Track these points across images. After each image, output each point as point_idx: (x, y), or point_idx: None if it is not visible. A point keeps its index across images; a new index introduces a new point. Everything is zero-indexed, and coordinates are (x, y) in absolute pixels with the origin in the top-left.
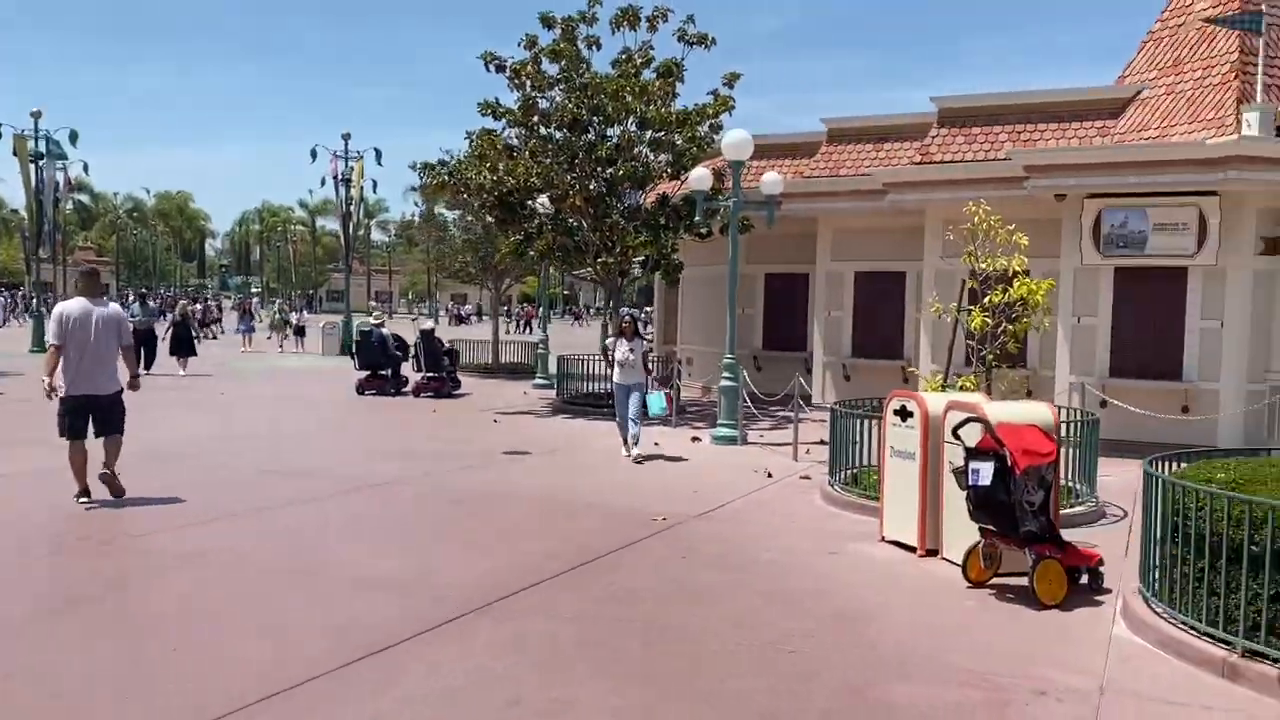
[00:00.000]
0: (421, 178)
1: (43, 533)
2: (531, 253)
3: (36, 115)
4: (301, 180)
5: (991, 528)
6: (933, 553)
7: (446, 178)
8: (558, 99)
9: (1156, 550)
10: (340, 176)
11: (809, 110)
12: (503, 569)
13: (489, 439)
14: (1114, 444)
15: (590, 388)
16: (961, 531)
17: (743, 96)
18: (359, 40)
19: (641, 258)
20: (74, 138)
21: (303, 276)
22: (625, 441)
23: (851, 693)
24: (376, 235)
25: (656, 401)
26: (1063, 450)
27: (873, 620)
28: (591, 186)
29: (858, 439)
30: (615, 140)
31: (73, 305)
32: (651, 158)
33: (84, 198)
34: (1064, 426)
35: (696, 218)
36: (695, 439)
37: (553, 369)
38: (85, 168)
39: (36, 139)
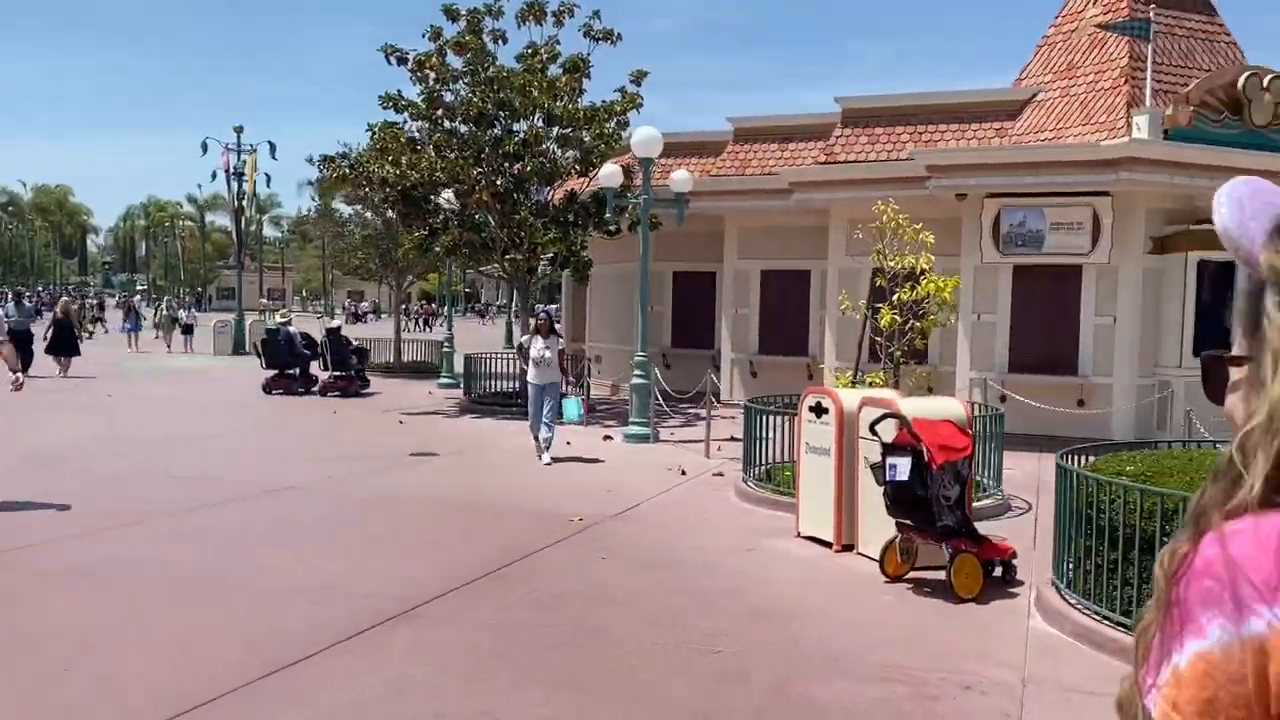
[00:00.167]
0: (321, 171)
1: None
2: (437, 249)
3: None
4: (191, 175)
5: (909, 522)
6: (849, 548)
7: (348, 171)
8: (463, 92)
9: (1070, 542)
10: (233, 170)
11: (701, 110)
12: (419, 575)
13: (395, 440)
14: (1013, 437)
15: (498, 386)
16: (877, 526)
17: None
18: (251, 31)
19: (550, 255)
20: None
21: (191, 274)
22: (538, 443)
23: (781, 691)
24: (269, 231)
25: (572, 407)
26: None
27: (795, 617)
28: (499, 182)
29: (770, 435)
30: (522, 136)
31: None
32: (559, 154)
33: None
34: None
35: (607, 214)
36: (607, 438)
37: (458, 368)
38: None
39: None
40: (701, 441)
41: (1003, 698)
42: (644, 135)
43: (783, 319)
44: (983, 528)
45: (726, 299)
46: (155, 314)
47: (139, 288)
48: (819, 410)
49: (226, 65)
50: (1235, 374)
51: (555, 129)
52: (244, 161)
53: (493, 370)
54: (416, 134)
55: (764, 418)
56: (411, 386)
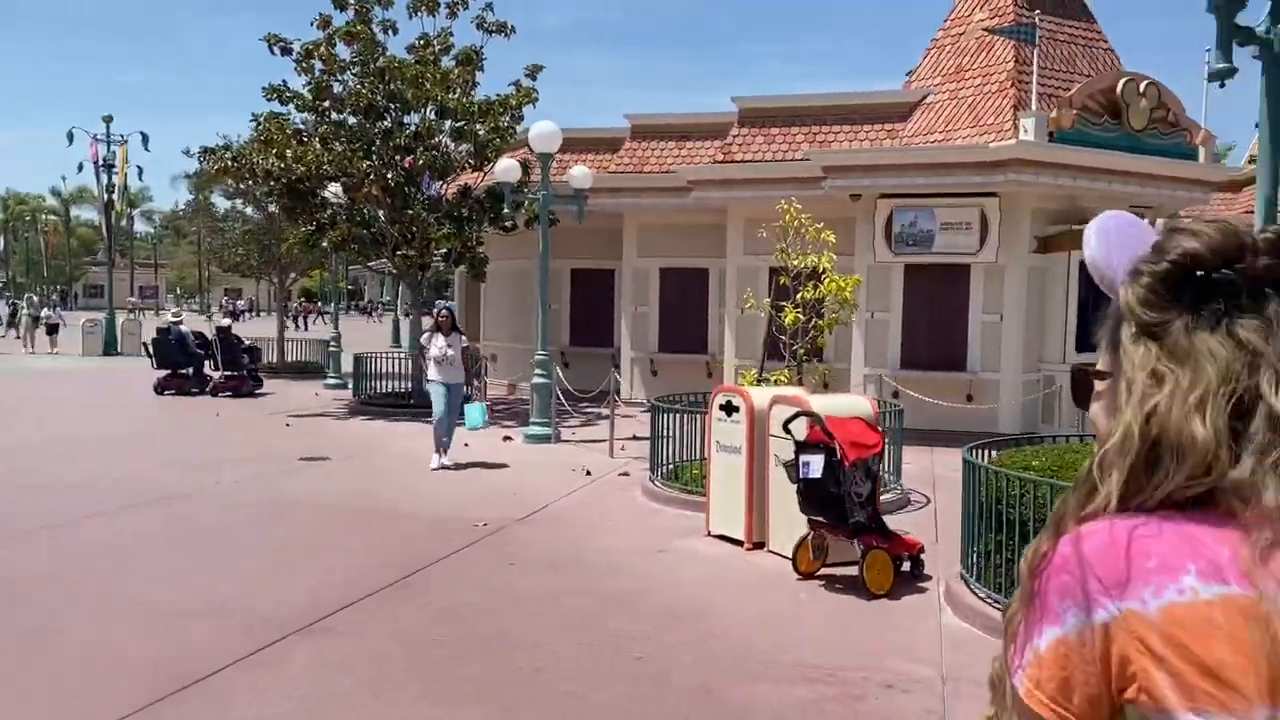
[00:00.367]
0: (201, 163)
1: None
2: (325, 244)
3: None
4: (55, 167)
5: (821, 520)
6: (759, 545)
7: (230, 163)
8: (351, 83)
9: (978, 537)
10: (102, 162)
11: (588, 107)
12: (321, 585)
13: (284, 443)
14: (906, 433)
15: (388, 387)
16: (787, 524)
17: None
18: (124, 16)
19: (444, 251)
20: None
21: (55, 270)
22: (438, 446)
23: (706, 695)
24: (140, 226)
25: (476, 413)
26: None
27: (713, 618)
28: (389, 176)
29: (676, 434)
30: (414, 128)
31: None
32: (453, 147)
33: None
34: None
35: (504, 209)
36: (507, 438)
37: (345, 367)
38: None
39: None
40: (604, 441)
41: (925, 695)
42: (543, 130)
43: (682, 317)
44: (887, 522)
45: (626, 297)
46: (15, 313)
47: None
48: (730, 409)
49: (95, 53)
50: (1099, 385)
51: (448, 122)
52: (114, 153)
53: (382, 370)
54: (303, 125)
55: (671, 416)
56: (296, 387)
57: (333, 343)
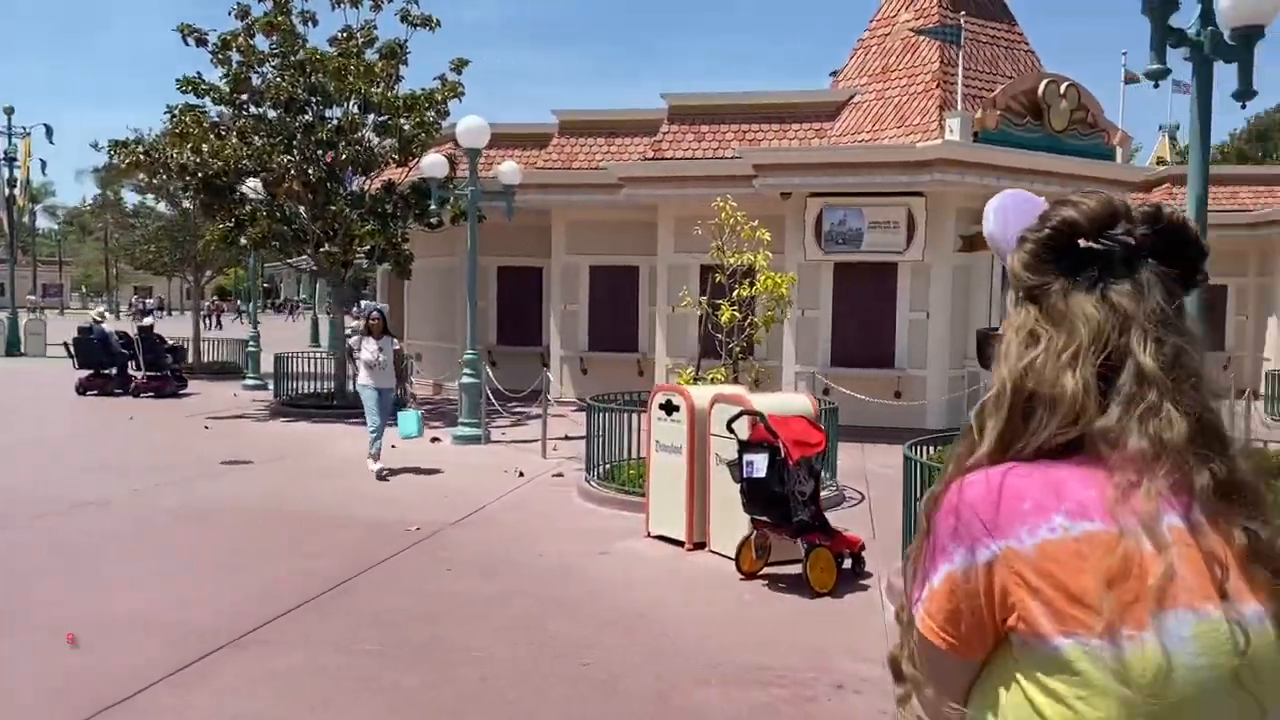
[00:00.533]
0: (111, 157)
1: None
2: (244, 241)
3: None
4: None
5: (765, 519)
6: (700, 545)
7: (142, 156)
8: (270, 76)
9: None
10: (3, 156)
11: (511, 102)
12: (249, 596)
13: (204, 447)
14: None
15: (311, 387)
16: (728, 523)
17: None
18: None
19: (368, 248)
20: None
21: None
22: (373, 453)
23: (659, 701)
24: (44, 222)
25: (412, 422)
26: None
27: (659, 620)
28: (311, 171)
29: (612, 434)
30: (337, 122)
31: None
32: (377, 142)
33: None
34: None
35: (432, 205)
36: (435, 440)
37: (265, 368)
38: None
39: None
40: (536, 441)
41: (876, 695)
42: (471, 125)
43: (612, 315)
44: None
45: (555, 295)
46: None
47: None
48: (669, 408)
49: None
50: (999, 345)
51: (372, 116)
52: (15, 146)
53: (304, 370)
54: (219, 119)
55: (606, 415)
56: (214, 388)
57: (251, 342)
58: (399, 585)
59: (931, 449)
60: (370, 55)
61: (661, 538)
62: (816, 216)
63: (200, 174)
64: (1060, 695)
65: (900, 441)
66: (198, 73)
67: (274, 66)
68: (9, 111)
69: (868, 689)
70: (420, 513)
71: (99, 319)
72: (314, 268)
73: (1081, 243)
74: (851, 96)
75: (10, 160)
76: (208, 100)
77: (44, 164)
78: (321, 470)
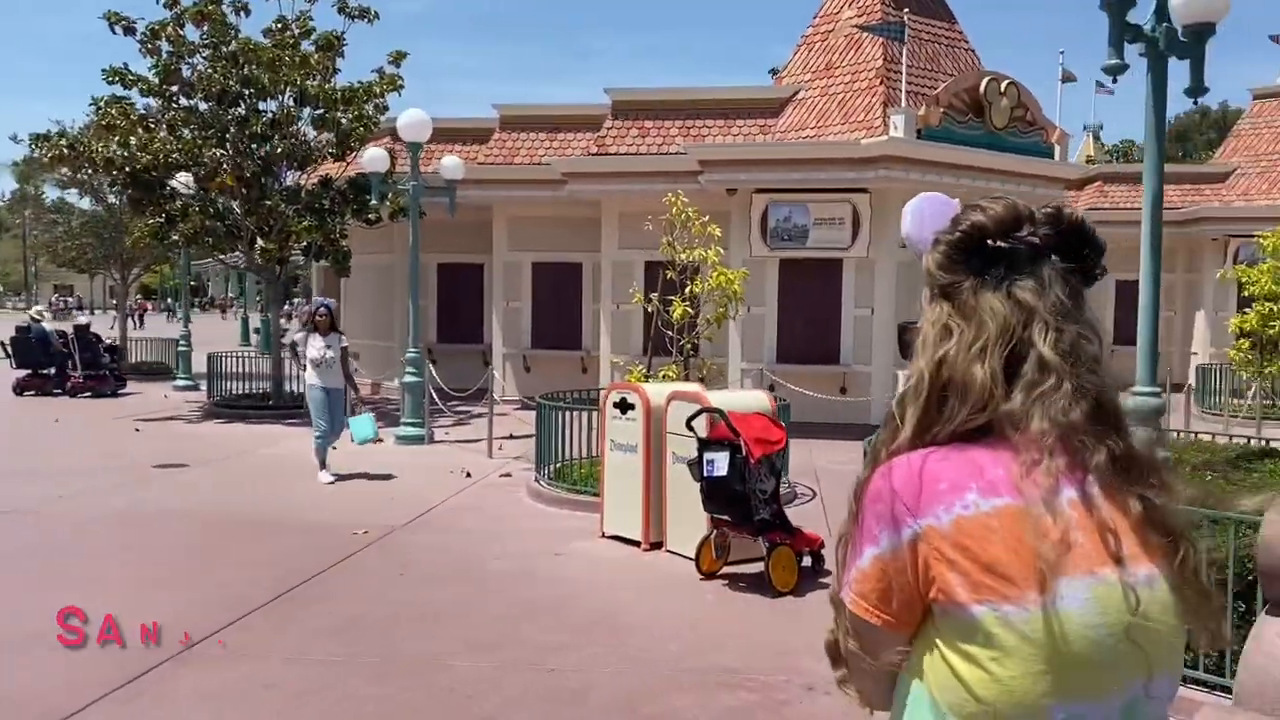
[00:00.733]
0: (32, 150)
1: None
2: (175, 237)
3: None
4: None
5: (726, 518)
6: (657, 545)
7: (66, 150)
8: (201, 67)
9: None
10: None
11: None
12: (194, 605)
13: (135, 449)
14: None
15: (245, 387)
16: (684, 522)
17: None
18: None
19: (305, 244)
20: None
21: None
22: (324, 463)
23: (631, 710)
24: None
25: (365, 426)
26: None
27: (622, 624)
28: (244, 165)
29: (562, 432)
30: (272, 115)
31: None
32: (313, 136)
33: None
34: None
35: (373, 200)
36: (378, 440)
37: (197, 368)
38: None
39: None
40: (481, 441)
41: (844, 697)
42: (412, 118)
43: (556, 312)
44: None
45: (497, 292)
46: None
47: None
48: (624, 406)
49: None
50: (917, 337)
51: (308, 109)
52: None
53: (239, 370)
54: (147, 111)
55: (556, 414)
56: (144, 390)
57: (182, 341)
58: (351, 592)
59: None
60: (306, 47)
61: (617, 538)
62: (762, 213)
63: (128, 168)
64: (975, 657)
65: (846, 438)
66: (124, 64)
67: (205, 58)
68: None
69: (838, 691)
70: (367, 515)
71: (37, 318)
72: (245, 265)
73: (989, 244)
74: (796, 93)
75: None
76: (135, 92)
77: None
78: (260, 472)
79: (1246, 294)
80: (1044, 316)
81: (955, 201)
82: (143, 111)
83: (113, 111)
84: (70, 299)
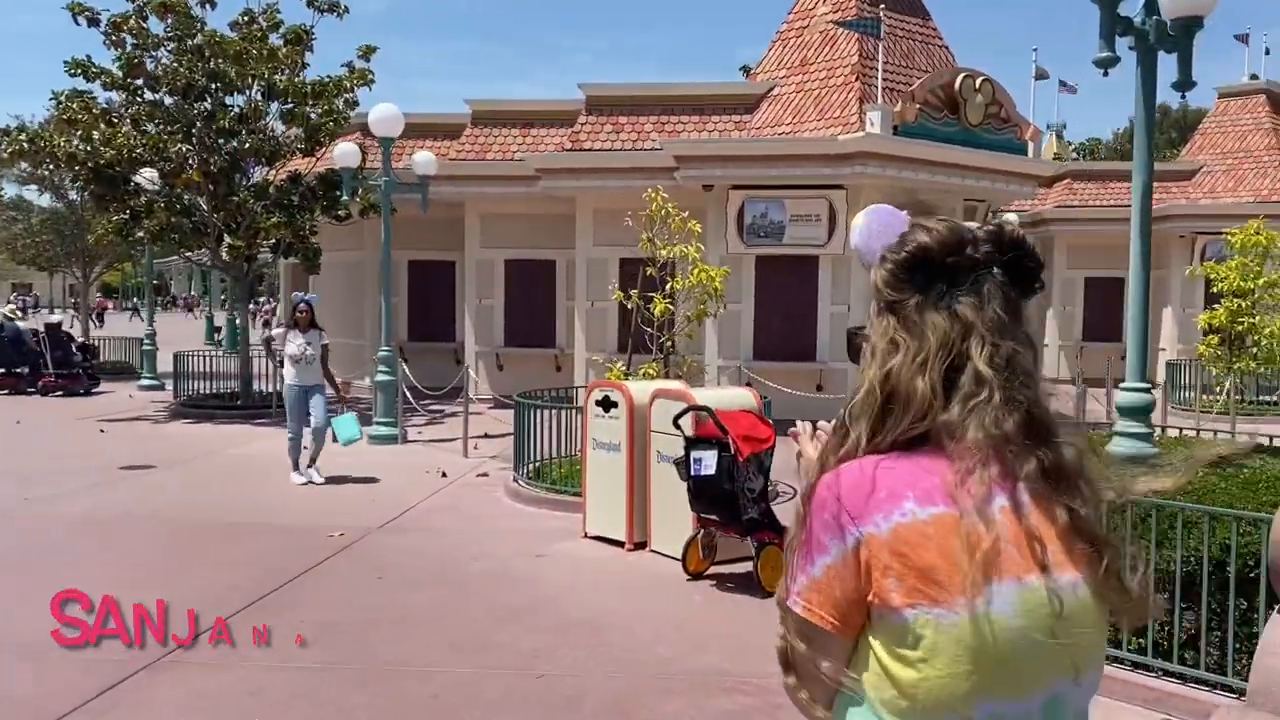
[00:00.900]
0: None
1: None
2: (140, 234)
3: None
4: None
5: (713, 518)
6: (641, 546)
7: (26, 145)
8: (165, 60)
9: None
10: None
11: (413, 96)
12: (170, 610)
13: (101, 451)
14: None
15: (213, 387)
16: (669, 522)
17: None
18: None
19: (273, 241)
20: None
21: None
22: (296, 463)
23: (622, 714)
24: None
25: (350, 427)
26: None
27: (611, 627)
28: (211, 161)
29: (540, 431)
30: (239, 110)
31: None
32: (282, 131)
33: None
34: None
35: (344, 196)
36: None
37: (162, 367)
38: None
39: None
40: (455, 440)
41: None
42: (384, 113)
43: (529, 310)
44: None
45: (469, 289)
46: None
47: None
48: (607, 404)
49: None
50: (866, 346)
51: (276, 104)
52: None
53: (205, 369)
54: (109, 105)
55: (535, 412)
56: (110, 389)
57: (147, 340)
58: (329, 596)
59: None
60: (274, 40)
61: (600, 538)
62: (738, 209)
63: (91, 163)
64: (906, 657)
65: None
66: (87, 55)
67: (170, 51)
68: None
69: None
70: (342, 518)
71: (10, 316)
72: (212, 262)
73: (933, 262)
74: (771, 89)
75: None
76: (98, 85)
77: None
78: (230, 474)
79: (1216, 290)
80: (981, 332)
81: (904, 214)
82: (105, 106)
83: (74, 106)
84: (28, 297)
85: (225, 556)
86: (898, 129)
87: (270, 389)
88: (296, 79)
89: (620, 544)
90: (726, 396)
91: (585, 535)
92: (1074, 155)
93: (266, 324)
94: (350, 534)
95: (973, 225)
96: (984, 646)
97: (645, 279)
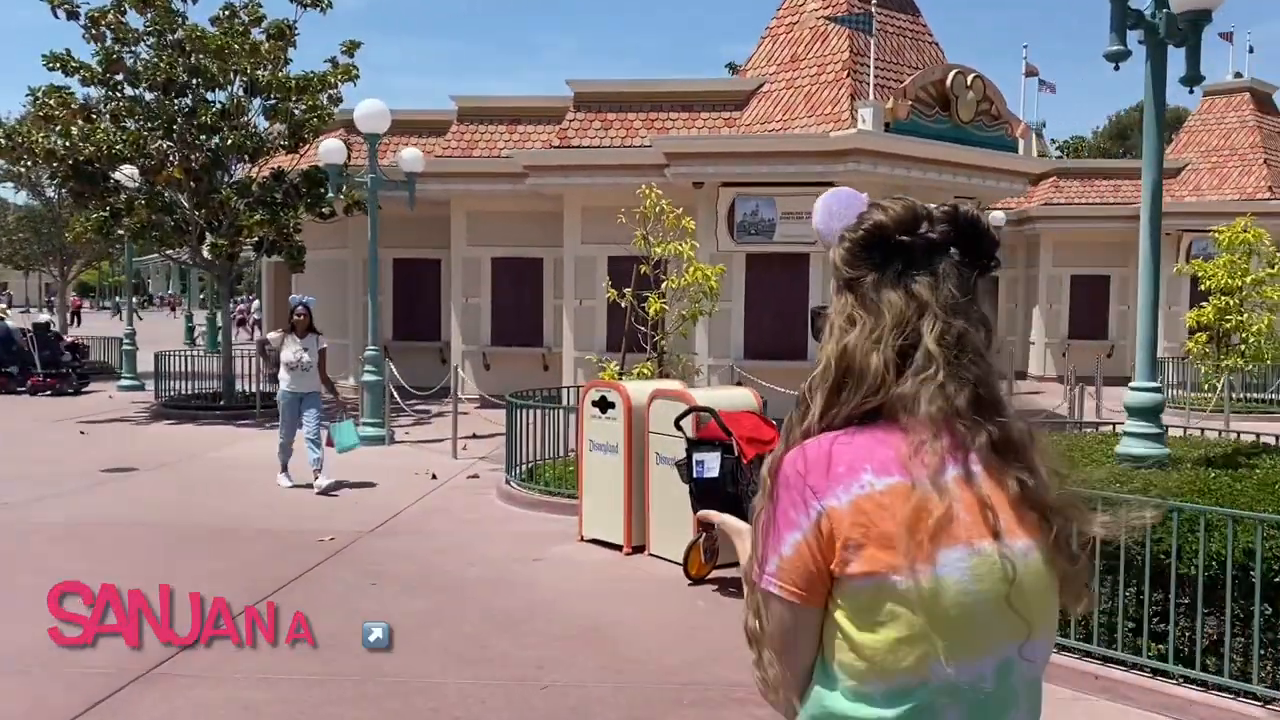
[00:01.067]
0: None
1: None
2: (121, 231)
3: None
4: None
5: None
6: (639, 549)
7: (2, 141)
8: (145, 55)
9: None
10: None
11: (392, 92)
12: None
13: (81, 453)
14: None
15: (194, 387)
16: (668, 525)
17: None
18: None
19: (256, 239)
20: None
21: None
22: (284, 467)
23: None
24: None
25: (348, 434)
26: None
27: (614, 634)
28: (193, 157)
29: (532, 432)
30: (221, 106)
31: None
32: (265, 127)
33: None
34: None
35: (330, 194)
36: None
37: (142, 367)
38: None
39: None
40: (444, 441)
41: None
42: (370, 109)
43: (516, 309)
44: None
45: (455, 288)
46: None
47: None
48: (604, 405)
49: None
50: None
51: (259, 100)
52: None
53: (187, 369)
54: (88, 101)
55: (527, 413)
56: (91, 389)
57: (126, 340)
58: (320, 604)
59: None
60: (257, 35)
61: (597, 541)
62: (729, 207)
63: (70, 160)
64: (865, 623)
65: None
66: (66, 49)
67: (150, 45)
68: None
69: None
70: (331, 521)
71: (0, 315)
72: (194, 260)
73: (890, 241)
74: (761, 85)
75: None
76: (76, 80)
77: None
78: (215, 477)
79: (1204, 288)
80: (935, 310)
81: (863, 196)
82: (84, 101)
83: (51, 101)
84: (1, 296)
85: (214, 561)
86: (889, 126)
87: (253, 389)
88: (280, 74)
89: (618, 547)
90: (727, 397)
91: (582, 538)
92: (1058, 154)
93: (241, 323)
94: (341, 538)
95: (930, 206)
96: (938, 610)
97: (639, 277)
